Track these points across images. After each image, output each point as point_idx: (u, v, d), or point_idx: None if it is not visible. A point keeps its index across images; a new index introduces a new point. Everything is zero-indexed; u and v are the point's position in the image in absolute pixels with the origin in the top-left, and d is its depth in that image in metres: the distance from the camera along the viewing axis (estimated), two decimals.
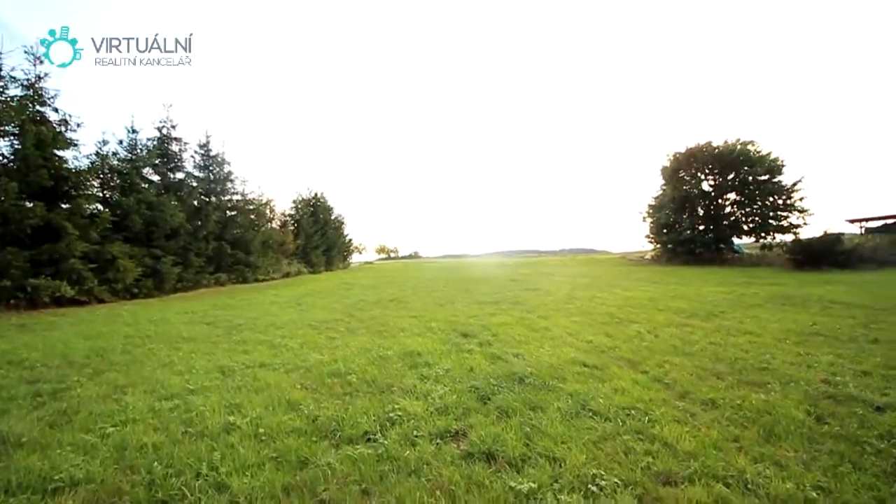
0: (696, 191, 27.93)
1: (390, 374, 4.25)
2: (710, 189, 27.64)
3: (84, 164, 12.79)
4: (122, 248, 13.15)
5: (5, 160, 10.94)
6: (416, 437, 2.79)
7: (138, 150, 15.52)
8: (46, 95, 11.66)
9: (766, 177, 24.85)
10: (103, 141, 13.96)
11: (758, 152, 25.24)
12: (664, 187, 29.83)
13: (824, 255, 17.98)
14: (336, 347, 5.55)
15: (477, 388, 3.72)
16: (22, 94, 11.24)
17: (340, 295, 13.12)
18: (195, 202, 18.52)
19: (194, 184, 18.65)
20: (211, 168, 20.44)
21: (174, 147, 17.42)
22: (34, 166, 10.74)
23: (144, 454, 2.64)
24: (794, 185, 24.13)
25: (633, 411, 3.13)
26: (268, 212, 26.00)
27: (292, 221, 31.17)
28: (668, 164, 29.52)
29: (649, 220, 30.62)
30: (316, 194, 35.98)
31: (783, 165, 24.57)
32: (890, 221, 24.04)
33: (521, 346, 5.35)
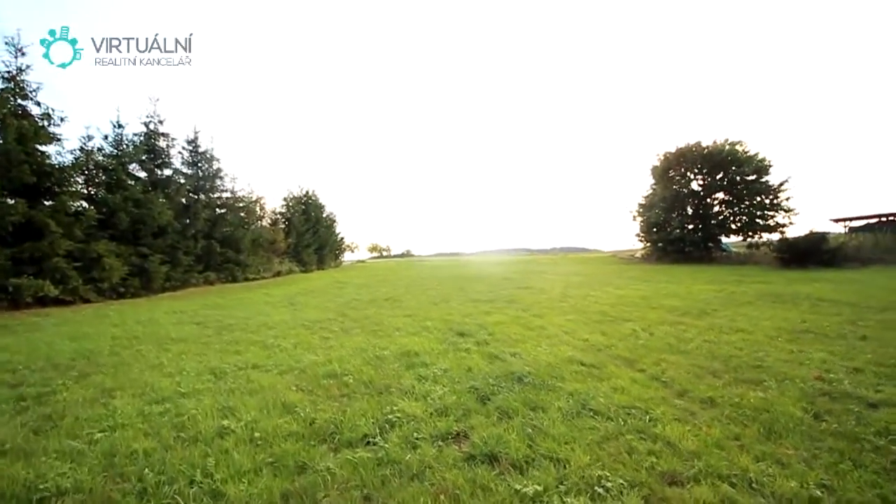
0: (685, 190, 28.31)
1: (387, 374, 4.19)
2: (700, 188, 28.04)
3: (68, 159, 12.47)
4: (108, 247, 12.84)
5: None
6: (417, 439, 2.74)
7: (124, 146, 15.15)
8: (28, 89, 11.33)
9: (753, 177, 25.29)
10: (87, 136, 13.65)
11: (745, 152, 25.67)
12: (654, 187, 30.17)
13: (810, 253, 18.33)
14: (331, 348, 5.47)
15: (476, 388, 3.68)
16: (2, 87, 10.89)
17: (333, 294, 12.99)
18: (183, 199, 18.17)
19: (182, 181, 18.30)
20: (199, 165, 20.07)
21: (161, 143, 17.04)
22: (16, 161, 10.41)
23: (135, 461, 2.55)
24: (781, 184, 24.60)
25: (633, 410, 3.12)
26: (258, 210, 25.69)
27: (283, 219, 30.83)
28: (658, 163, 29.87)
29: (640, 219, 30.95)
30: (307, 192, 35.60)
31: (770, 166, 25.04)
32: (873, 221, 24.63)
33: (517, 345, 5.33)
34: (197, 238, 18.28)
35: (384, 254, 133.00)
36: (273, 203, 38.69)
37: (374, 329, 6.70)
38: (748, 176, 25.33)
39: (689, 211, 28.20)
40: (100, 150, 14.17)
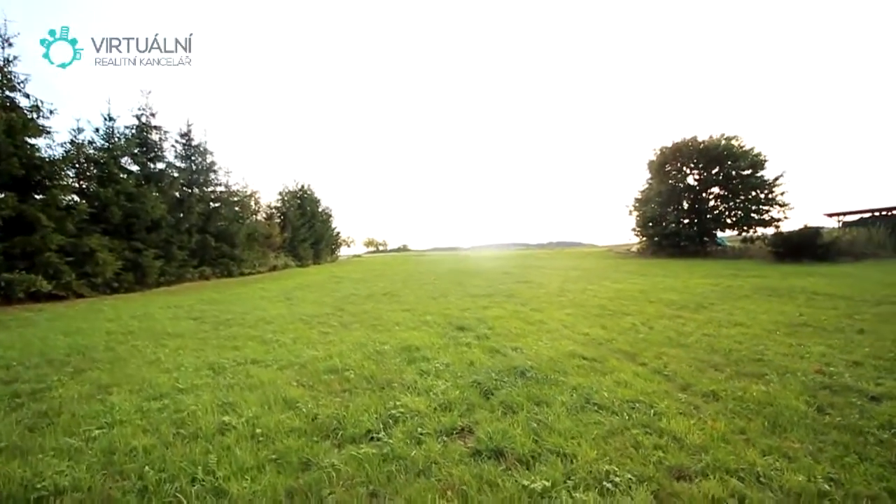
0: (681, 185, 28.34)
1: (389, 369, 4.16)
2: (695, 183, 28.09)
3: (58, 152, 12.24)
4: (101, 241, 12.67)
5: None
6: (422, 434, 2.71)
7: (116, 139, 14.89)
8: (16, 80, 11.06)
9: (748, 171, 25.36)
10: (78, 129, 13.37)
11: (741, 147, 25.72)
12: (650, 181, 30.20)
13: (804, 248, 18.48)
14: (330, 342, 5.42)
15: (479, 382, 3.66)
16: None
17: (330, 288, 12.91)
18: (177, 193, 17.95)
19: (176, 174, 18.06)
20: (193, 158, 19.81)
21: (154, 136, 16.77)
22: (4, 154, 10.19)
23: (134, 458, 2.50)
24: (776, 179, 24.71)
25: (637, 404, 3.11)
26: (253, 204, 25.45)
27: (278, 214, 30.60)
28: (654, 158, 29.87)
29: (636, 213, 30.99)
30: (303, 186, 35.37)
31: (765, 160, 25.12)
32: (866, 215, 24.83)
33: (518, 339, 5.31)
34: (191, 232, 18.09)
35: (381, 248, 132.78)
36: (268, 197, 38.34)
37: (374, 324, 6.66)
38: (744, 171, 25.40)
39: (685, 205, 28.27)
40: (91, 143, 13.92)
